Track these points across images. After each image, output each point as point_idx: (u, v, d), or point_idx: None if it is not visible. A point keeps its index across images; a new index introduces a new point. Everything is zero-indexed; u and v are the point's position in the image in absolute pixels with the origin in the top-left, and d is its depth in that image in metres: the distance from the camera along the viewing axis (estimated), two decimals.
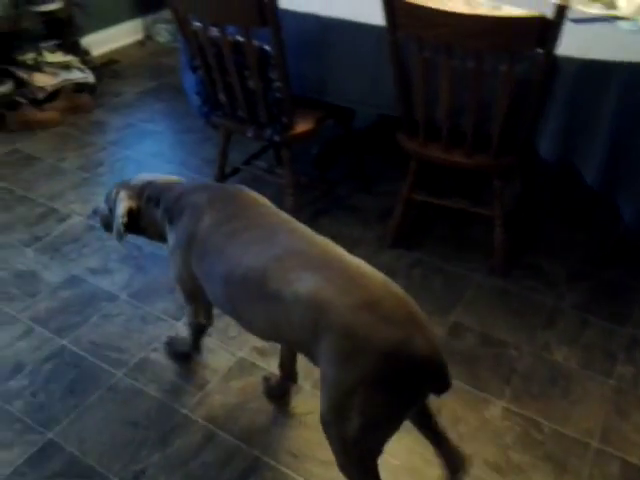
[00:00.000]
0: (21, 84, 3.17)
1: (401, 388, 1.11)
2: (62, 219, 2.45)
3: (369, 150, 2.83)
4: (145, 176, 1.63)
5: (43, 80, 3.17)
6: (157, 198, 1.53)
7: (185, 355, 1.82)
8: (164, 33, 4.12)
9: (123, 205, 1.54)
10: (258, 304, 1.25)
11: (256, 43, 1.91)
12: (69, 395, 1.72)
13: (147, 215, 1.56)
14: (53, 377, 1.77)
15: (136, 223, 1.58)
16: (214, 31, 1.96)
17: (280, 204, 2.36)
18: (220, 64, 2.03)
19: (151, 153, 2.90)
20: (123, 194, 1.56)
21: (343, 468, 1.24)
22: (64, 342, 1.89)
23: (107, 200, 1.64)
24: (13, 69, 3.19)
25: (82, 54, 3.40)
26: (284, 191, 2.27)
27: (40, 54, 3.15)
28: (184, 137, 3.04)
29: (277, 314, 1.22)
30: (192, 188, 1.50)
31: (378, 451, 1.22)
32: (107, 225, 1.67)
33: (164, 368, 1.81)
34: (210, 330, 1.89)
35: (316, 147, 2.73)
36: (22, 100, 3.08)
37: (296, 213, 2.24)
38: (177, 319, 1.97)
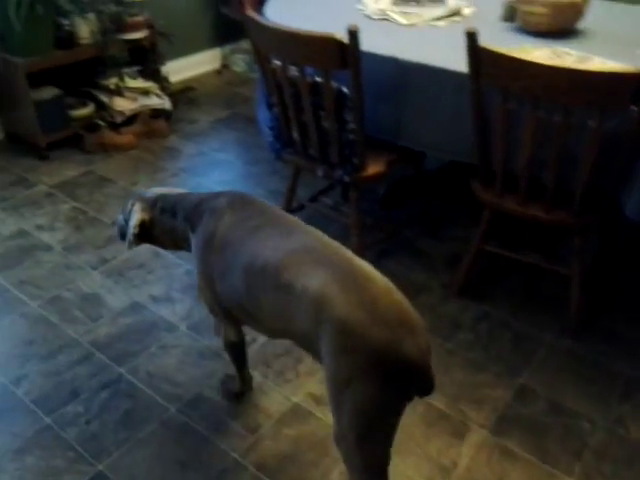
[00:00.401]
0: (102, 107, 3.29)
1: (389, 385, 1.17)
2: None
3: (438, 192, 2.77)
4: (158, 189, 1.73)
5: (122, 104, 3.27)
6: (172, 209, 1.62)
7: (238, 395, 1.79)
8: (241, 63, 4.20)
9: (136, 217, 1.64)
10: (272, 293, 1.33)
11: (334, 85, 1.89)
12: (122, 427, 1.71)
13: (161, 225, 1.65)
14: (108, 406, 1.77)
15: (149, 233, 1.68)
16: (293, 70, 1.96)
17: (344, 242, 2.32)
18: (296, 103, 2.02)
19: (220, 182, 2.93)
20: (137, 207, 1.66)
21: (361, 476, 1.28)
22: (121, 370, 1.89)
23: (123, 211, 1.73)
24: (96, 92, 3.31)
25: (161, 81, 3.50)
26: (349, 231, 2.23)
27: (122, 79, 3.26)
28: (253, 168, 3.06)
29: (287, 304, 1.30)
30: (209, 195, 1.58)
31: (385, 463, 1.27)
32: (122, 234, 1.75)
33: (217, 407, 1.78)
34: (265, 371, 1.87)
35: (383, 187, 2.69)
36: (101, 123, 3.19)
37: (360, 253, 2.21)
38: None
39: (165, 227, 1.65)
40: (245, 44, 4.25)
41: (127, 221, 1.69)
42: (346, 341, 1.17)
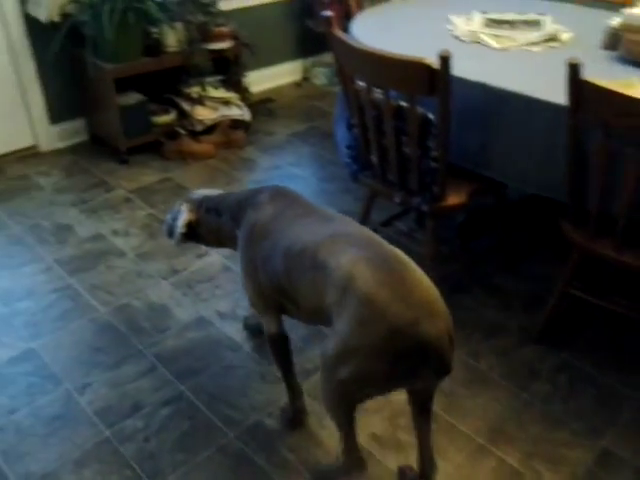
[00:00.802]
0: (183, 115, 3.33)
1: (398, 363, 1.22)
2: (201, 255, 2.49)
3: (519, 224, 2.63)
4: (203, 191, 1.86)
5: (203, 114, 3.30)
6: (217, 209, 1.74)
7: (292, 420, 1.75)
8: (321, 76, 4.18)
9: (184, 217, 1.78)
10: (308, 273, 1.40)
11: (420, 110, 1.81)
12: (179, 448, 1.69)
13: (206, 224, 1.78)
14: (167, 425, 1.76)
15: (195, 232, 1.81)
16: (377, 93, 1.90)
17: None
18: (378, 126, 1.95)
19: None
20: (185, 207, 1.80)
21: (325, 403, 1.40)
22: (183, 388, 1.87)
23: (172, 211, 1.85)
24: (178, 100, 3.36)
25: (242, 91, 3.51)
26: (422, 260, 2.14)
27: (204, 89, 3.29)
28: (326, 185, 3.01)
29: (321, 281, 1.37)
30: (251, 192, 1.67)
31: (359, 401, 1.37)
32: (170, 233, 1.86)
33: (276, 438, 1.72)
34: None
35: (462, 215, 2.57)
36: (181, 131, 3.22)
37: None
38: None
39: (211, 226, 1.76)
40: (327, 57, 4.23)
41: (175, 220, 1.82)
42: (366, 314, 1.23)
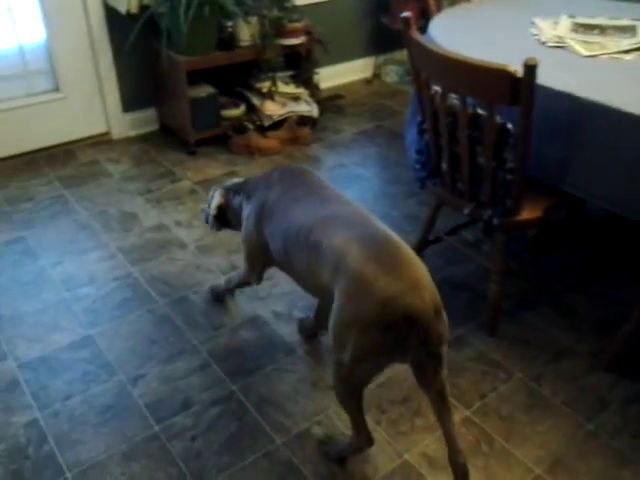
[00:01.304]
0: (252, 110, 3.32)
1: (389, 334, 1.29)
2: None
3: (595, 241, 2.48)
4: (236, 179, 2.00)
5: (272, 109, 3.28)
6: (238, 190, 1.89)
7: (219, 298, 2.14)
8: (392, 74, 4.09)
9: (215, 201, 1.95)
10: (303, 252, 1.51)
11: (498, 120, 1.71)
12: (226, 450, 1.67)
13: (231, 206, 1.92)
14: (216, 425, 1.74)
15: (226, 217, 1.96)
16: (453, 99, 1.81)
17: (480, 285, 2.14)
18: (451, 133, 1.87)
19: (355, 199, 2.78)
20: (217, 193, 1.96)
21: (335, 389, 1.50)
22: (234, 388, 1.86)
23: (209, 200, 2.00)
24: (248, 95, 3.36)
25: (312, 88, 3.47)
26: (488, 275, 2.04)
27: (274, 84, 3.27)
28: (390, 187, 2.94)
29: (315, 260, 1.47)
30: (265, 174, 1.81)
31: (363, 383, 1.45)
32: (207, 219, 2.01)
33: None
34: (379, 418, 1.76)
35: (534, 228, 2.45)
36: (249, 125, 3.22)
37: (498, 301, 2.02)
38: None
39: (234, 208, 1.91)
40: (399, 55, 4.14)
41: (209, 206, 1.98)
42: (356, 288, 1.32)
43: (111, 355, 1.96)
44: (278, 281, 2.29)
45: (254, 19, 3.14)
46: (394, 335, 1.29)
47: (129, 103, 3.35)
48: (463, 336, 2.06)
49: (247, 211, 1.80)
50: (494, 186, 1.84)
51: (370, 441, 1.55)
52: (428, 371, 1.40)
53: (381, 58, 4.14)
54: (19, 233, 2.57)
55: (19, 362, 1.93)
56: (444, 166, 1.99)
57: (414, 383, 1.84)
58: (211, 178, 3.00)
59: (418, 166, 2.15)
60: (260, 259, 1.80)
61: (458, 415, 1.77)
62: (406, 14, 1.86)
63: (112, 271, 2.35)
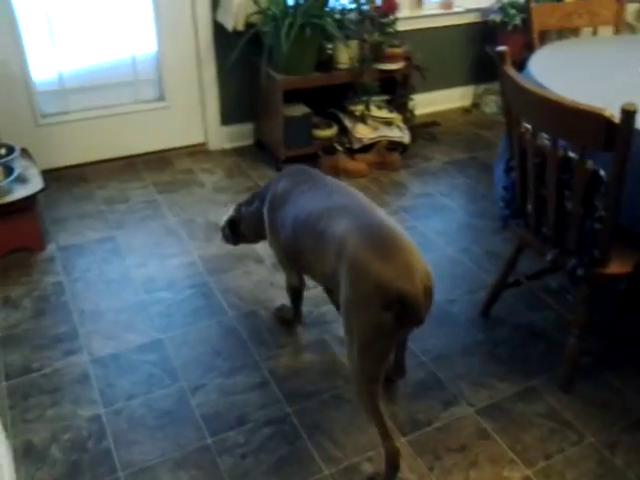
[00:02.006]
0: (343, 132, 3.34)
1: (387, 312, 1.42)
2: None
3: None
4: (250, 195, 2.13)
5: (363, 132, 3.29)
6: (252, 198, 2.05)
7: (289, 322, 2.14)
8: (492, 105, 3.99)
9: (227, 215, 2.15)
10: (310, 239, 1.67)
11: (590, 165, 1.62)
12: (274, 473, 1.66)
13: (245, 219, 2.08)
14: (266, 446, 1.74)
15: (238, 231, 2.12)
16: (543, 138, 1.73)
17: (559, 338, 2.03)
18: (539, 174, 1.78)
19: (437, 230, 2.77)
20: (231, 209, 2.14)
21: (356, 392, 1.61)
22: (289, 410, 1.85)
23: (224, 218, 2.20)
24: (341, 116, 3.38)
25: (406, 113, 3.45)
26: (568, 328, 1.92)
27: (367, 107, 3.27)
28: (475, 221, 2.85)
29: (320, 247, 1.62)
30: (275, 176, 1.96)
31: (376, 374, 1.53)
32: (224, 236, 2.21)
33: None
34: (432, 463, 1.69)
35: (624, 282, 2.28)
36: (338, 147, 3.24)
37: (574, 356, 1.89)
38: (403, 433, 1.79)
39: (248, 219, 2.06)
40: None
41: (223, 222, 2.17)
42: (355, 273, 1.47)
43: (177, 361, 2.02)
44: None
45: (354, 43, 3.17)
46: (391, 315, 1.43)
47: (227, 117, 3.47)
48: (535, 388, 1.95)
49: (265, 212, 1.93)
50: (581, 234, 1.74)
51: (397, 449, 1.59)
52: (407, 333, 1.72)
53: (482, 87, 4.05)
54: (111, 232, 2.72)
55: (92, 357, 2.02)
56: (529, 207, 1.90)
57: (475, 431, 1.77)
58: None
59: (502, 204, 2.07)
60: (286, 255, 1.87)
61: (517, 473, 1.67)
62: (502, 48, 1.81)
63: (190, 278, 2.43)
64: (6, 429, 1.76)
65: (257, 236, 2.08)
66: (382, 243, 1.49)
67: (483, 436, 1.79)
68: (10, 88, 2.94)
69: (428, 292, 1.47)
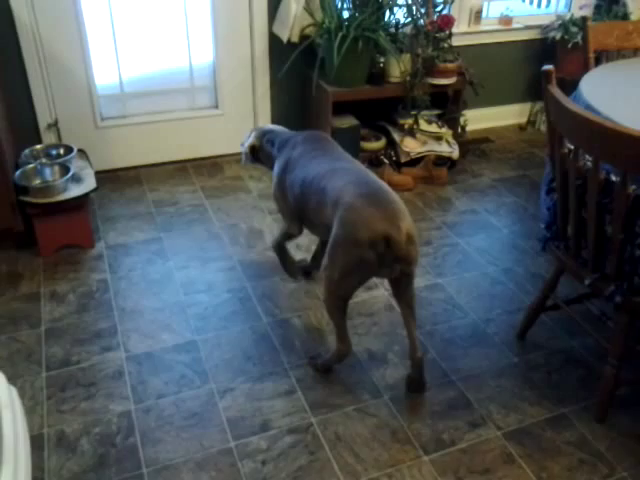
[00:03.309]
0: (391, 145, 3.34)
1: (371, 250, 1.67)
2: (369, 287, 2.46)
3: None
4: (270, 125, 2.41)
5: (411, 146, 3.28)
6: (272, 140, 2.27)
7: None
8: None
9: (249, 142, 2.35)
10: (314, 195, 1.92)
11: (632, 189, 1.56)
12: None
13: (264, 151, 2.31)
14: (287, 453, 1.75)
15: (257, 155, 2.35)
16: (586, 160, 1.68)
17: (597, 366, 1.98)
18: (580, 197, 1.73)
19: (479, 248, 2.73)
20: (252, 135, 2.36)
21: (325, 302, 1.89)
22: (313, 420, 1.86)
23: (246, 139, 2.40)
24: (390, 129, 3.38)
25: (457, 129, 3.41)
26: (606, 356, 1.85)
27: (416, 121, 3.26)
28: (520, 241, 2.79)
29: (322, 199, 1.87)
30: (295, 133, 2.21)
31: (348, 295, 1.84)
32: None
33: None
34: None
35: None
36: (385, 160, 3.24)
37: (610, 386, 1.82)
38: (426, 452, 1.77)
39: (266, 152, 2.30)
40: None
41: (244, 144, 2.38)
42: (348, 215, 1.71)
43: (208, 363, 2.06)
44: (380, 319, 2.27)
45: (407, 56, 3.17)
46: (375, 252, 1.67)
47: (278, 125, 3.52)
48: (567, 415, 1.89)
49: (276, 167, 2.18)
50: (620, 260, 1.68)
51: (350, 347, 1.93)
52: (401, 285, 1.84)
53: (538, 105, 3.96)
54: (158, 234, 2.81)
55: (128, 354, 2.09)
56: (569, 230, 1.85)
57: (500, 455, 1.73)
58: None
59: (543, 225, 2.02)
60: (291, 209, 2.13)
61: None
62: (547, 67, 1.77)
63: (228, 283, 2.48)
64: (41, 418, 1.84)
65: (271, 167, 2.30)
66: (375, 195, 1.73)
67: (508, 461, 1.74)
68: (75, 92, 3.09)
69: (410, 238, 1.70)
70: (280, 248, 2.36)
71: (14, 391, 1.17)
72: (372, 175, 1.88)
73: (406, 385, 1.97)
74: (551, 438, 1.82)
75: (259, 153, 2.34)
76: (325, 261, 1.81)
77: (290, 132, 2.27)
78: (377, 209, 1.68)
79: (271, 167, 2.29)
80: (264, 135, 2.31)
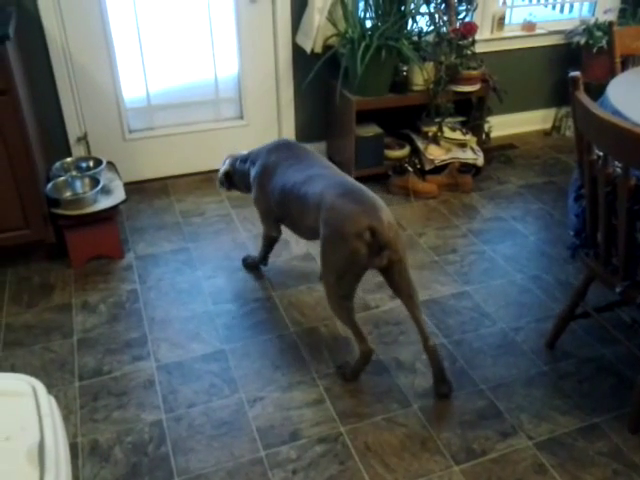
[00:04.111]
0: (415, 152, 3.34)
1: (359, 240, 1.77)
2: (394, 296, 2.46)
3: None
4: (242, 152, 2.48)
5: (435, 153, 3.28)
6: (245, 159, 2.38)
7: (255, 266, 2.59)
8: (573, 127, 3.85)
9: (223, 169, 2.48)
10: (295, 202, 2.06)
11: None
12: None
13: (238, 172, 2.42)
14: (317, 463, 1.76)
15: (233, 181, 2.48)
16: (615, 167, 1.67)
17: (630, 374, 1.95)
18: (610, 204, 1.72)
19: (506, 256, 2.71)
20: (227, 162, 2.48)
21: (331, 307, 1.97)
22: (342, 430, 1.86)
23: (221, 167, 2.50)
24: (414, 137, 3.38)
25: (481, 135, 3.40)
26: (638, 367, 1.83)
27: (440, 129, 3.26)
28: (548, 249, 2.76)
29: (303, 207, 2.01)
30: (266, 144, 2.32)
31: (349, 293, 1.91)
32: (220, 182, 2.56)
33: None
34: None
35: None
36: (409, 168, 3.24)
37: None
38: (457, 462, 1.76)
39: (241, 173, 2.40)
40: None
41: (219, 172, 2.52)
42: (332, 215, 1.84)
43: (237, 372, 2.08)
44: (406, 328, 2.27)
45: (430, 64, 3.18)
46: (362, 242, 1.77)
47: (302, 135, 3.55)
48: (599, 425, 1.87)
49: (253, 174, 2.30)
50: None
51: (369, 345, 1.98)
52: (394, 276, 1.90)
53: (563, 110, 3.93)
54: (186, 244, 2.84)
55: (159, 363, 2.12)
56: (599, 237, 1.83)
57: (532, 465, 1.71)
58: None
59: (572, 232, 2.00)
60: (271, 213, 2.27)
61: None
62: (574, 73, 1.76)
63: (255, 292, 2.50)
64: (75, 427, 1.87)
65: (246, 188, 2.43)
66: (352, 193, 1.87)
67: (540, 471, 1.73)
68: (103, 106, 3.15)
69: (391, 226, 1.81)
70: (256, 264, 2.61)
71: (53, 401, 1.20)
72: (347, 177, 2.01)
73: (434, 390, 1.98)
74: (584, 448, 1.80)
75: (233, 177, 2.47)
76: (320, 267, 1.94)
77: (259, 147, 2.37)
78: (357, 205, 1.81)
79: (246, 188, 2.42)
80: (236, 159, 2.44)
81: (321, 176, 2.01)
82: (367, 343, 1.98)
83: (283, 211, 2.17)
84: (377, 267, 1.86)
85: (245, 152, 2.46)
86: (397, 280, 1.91)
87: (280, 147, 2.25)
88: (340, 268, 1.84)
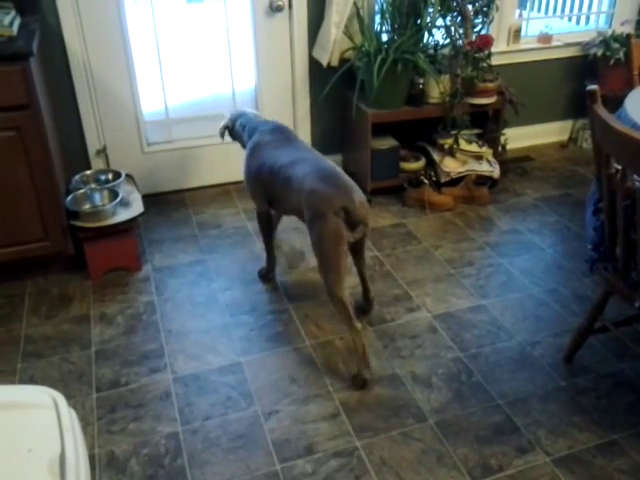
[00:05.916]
0: (430, 165, 3.34)
1: (337, 216, 1.99)
2: (411, 309, 2.46)
3: None
4: (245, 109, 2.73)
5: (451, 166, 3.27)
6: (244, 125, 2.55)
7: (268, 273, 2.68)
8: (590, 140, 3.83)
9: (223, 122, 2.65)
10: (280, 183, 2.23)
11: None
12: None
13: (236, 132, 2.61)
14: (333, 477, 1.75)
15: (232, 134, 2.66)
16: (634, 180, 1.66)
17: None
18: (629, 218, 1.71)
19: (523, 269, 2.69)
20: (227, 116, 2.66)
21: (330, 293, 2.09)
22: (358, 444, 1.86)
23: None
24: (430, 149, 3.39)
25: (497, 148, 3.40)
26: None
27: (457, 141, 3.26)
28: (565, 262, 2.74)
29: (288, 188, 2.18)
30: (264, 122, 2.52)
31: (341, 267, 2.04)
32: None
33: None
34: None
35: None
36: (424, 180, 3.24)
37: None
38: (473, 477, 1.74)
39: (237, 134, 2.61)
40: None
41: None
42: (312, 197, 2.04)
43: (254, 385, 2.09)
44: (423, 342, 2.26)
45: (446, 77, 3.18)
46: (340, 218, 1.98)
47: (318, 148, 3.54)
48: (618, 442, 1.84)
49: (246, 152, 2.44)
50: None
51: (360, 330, 2.08)
52: (359, 245, 2.21)
53: (580, 122, 3.91)
54: (202, 256, 2.86)
55: (175, 375, 2.13)
56: (618, 251, 1.82)
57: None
58: (379, 228, 3.06)
59: (590, 246, 1.99)
60: (260, 191, 2.41)
61: None
62: (592, 87, 1.76)
63: (271, 304, 2.51)
64: (92, 438, 1.89)
65: (243, 146, 2.56)
66: (329, 178, 2.07)
67: None
68: (122, 119, 3.20)
69: (362, 205, 2.04)
70: (261, 216, 2.62)
71: (74, 413, 1.21)
72: (327, 161, 2.21)
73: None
74: (602, 465, 1.77)
75: (232, 133, 2.66)
76: (314, 249, 2.09)
77: (259, 120, 2.56)
78: (333, 189, 2.03)
79: (242, 145, 2.59)
80: (237, 118, 2.61)
81: (304, 160, 2.19)
82: (356, 324, 2.06)
83: (269, 189, 2.33)
84: (355, 240, 2.08)
85: (244, 111, 2.65)
86: (359, 248, 2.25)
87: (274, 130, 2.42)
88: (327, 241, 2.02)
